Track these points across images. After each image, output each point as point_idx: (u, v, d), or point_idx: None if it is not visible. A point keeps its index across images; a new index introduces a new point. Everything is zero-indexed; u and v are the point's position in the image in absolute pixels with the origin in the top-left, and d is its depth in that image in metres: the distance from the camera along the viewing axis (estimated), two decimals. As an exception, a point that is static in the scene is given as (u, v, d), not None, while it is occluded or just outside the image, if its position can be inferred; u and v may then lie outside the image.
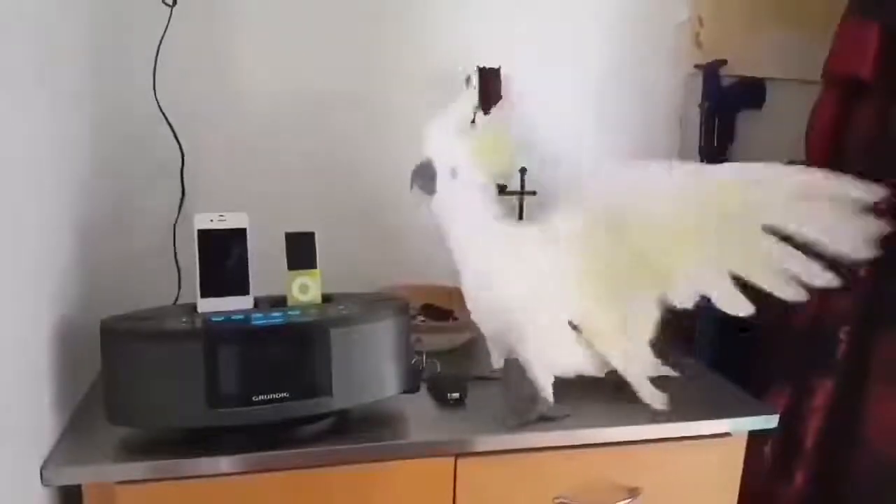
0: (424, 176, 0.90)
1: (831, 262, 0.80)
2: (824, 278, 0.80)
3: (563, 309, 0.95)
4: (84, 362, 0.99)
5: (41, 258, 0.89)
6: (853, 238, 0.78)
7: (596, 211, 0.91)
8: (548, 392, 0.96)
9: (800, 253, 0.81)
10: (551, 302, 0.94)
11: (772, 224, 0.81)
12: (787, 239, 0.81)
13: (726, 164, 0.92)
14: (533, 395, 0.97)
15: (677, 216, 0.86)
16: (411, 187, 0.91)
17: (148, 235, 1.22)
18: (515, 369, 0.98)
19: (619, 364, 0.96)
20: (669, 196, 0.87)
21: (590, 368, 0.98)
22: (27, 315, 0.84)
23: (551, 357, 0.96)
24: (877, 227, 0.78)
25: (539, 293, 0.93)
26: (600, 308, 0.94)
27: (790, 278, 0.82)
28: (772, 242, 0.82)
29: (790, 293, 0.82)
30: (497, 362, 1.02)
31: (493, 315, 0.96)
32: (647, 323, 0.93)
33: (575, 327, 0.95)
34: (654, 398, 0.94)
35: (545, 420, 0.97)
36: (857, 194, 0.79)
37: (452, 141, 0.90)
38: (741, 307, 0.85)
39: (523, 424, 0.96)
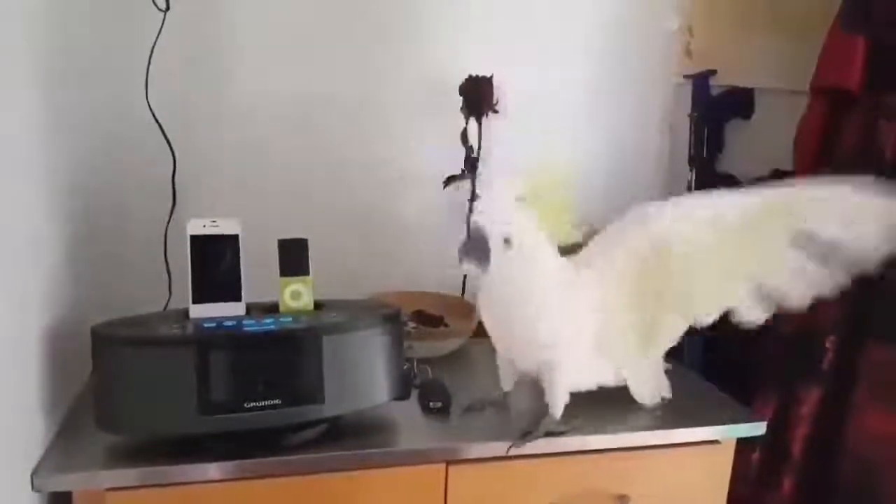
0: (476, 249, 0.86)
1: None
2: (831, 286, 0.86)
3: (590, 334, 0.97)
4: (74, 367, 0.99)
5: (31, 263, 0.88)
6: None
7: (640, 246, 0.93)
8: (558, 411, 0.97)
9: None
10: (583, 331, 0.96)
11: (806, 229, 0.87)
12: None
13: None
14: (538, 412, 0.99)
15: (720, 239, 0.89)
16: (460, 260, 0.87)
17: (139, 240, 1.21)
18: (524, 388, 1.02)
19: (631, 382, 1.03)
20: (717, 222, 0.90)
21: (610, 380, 1.01)
22: (17, 320, 0.83)
23: (576, 378, 0.99)
24: None
25: (578, 326, 0.95)
26: (623, 332, 0.97)
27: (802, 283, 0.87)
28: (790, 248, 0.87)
29: (797, 298, 0.88)
30: (507, 385, 1.03)
31: (532, 351, 0.96)
32: (668, 342, 0.99)
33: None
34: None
35: (551, 435, 0.97)
36: None
37: (508, 207, 0.86)
38: (758, 314, 0.90)
39: (530, 441, 0.96)
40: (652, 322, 0.95)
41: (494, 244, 0.86)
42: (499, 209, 0.86)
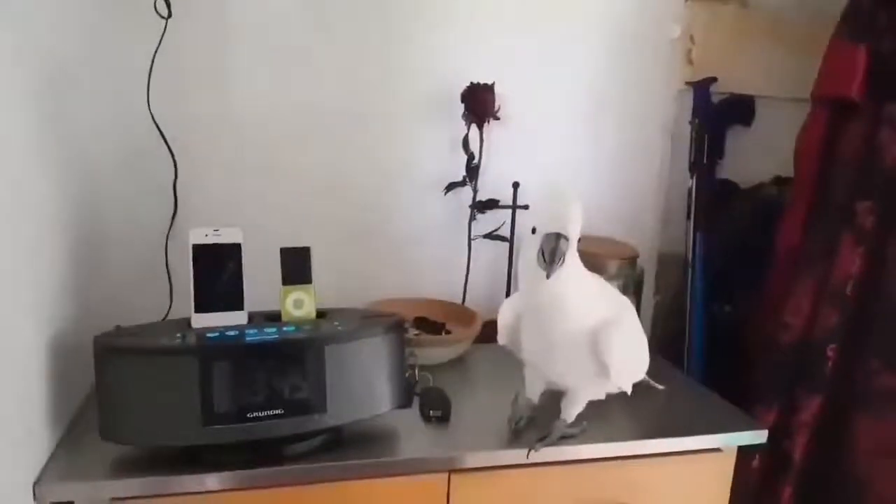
0: (559, 253, 0.84)
1: None
2: None
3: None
4: (76, 377, 0.99)
5: (32, 273, 0.88)
6: None
7: None
8: (572, 418, 0.98)
9: None
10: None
11: None
12: None
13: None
14: (553, 417, 0.99)
15: None
16: (544, 260, 0.84)
17: (140, 249, 1.21)
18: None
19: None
20: None
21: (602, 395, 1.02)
22: (19, 330, 0.83)
23: (596, 393, 1.00)
24: None
25: None
26: None
27: None
28: None
29: None
30: (535, 397, 1.02)
31: (568, 360, 0.95)
32: None
33: None
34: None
35: (566, 438, 0.98)
36: None
37: (573, 213, 0.85)
38: None
39: (546, 445, 0.96)
40: None
41: (570, 249, 0.85)
42: (566, 214, 0.85)
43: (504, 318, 0.98)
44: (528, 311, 0.95)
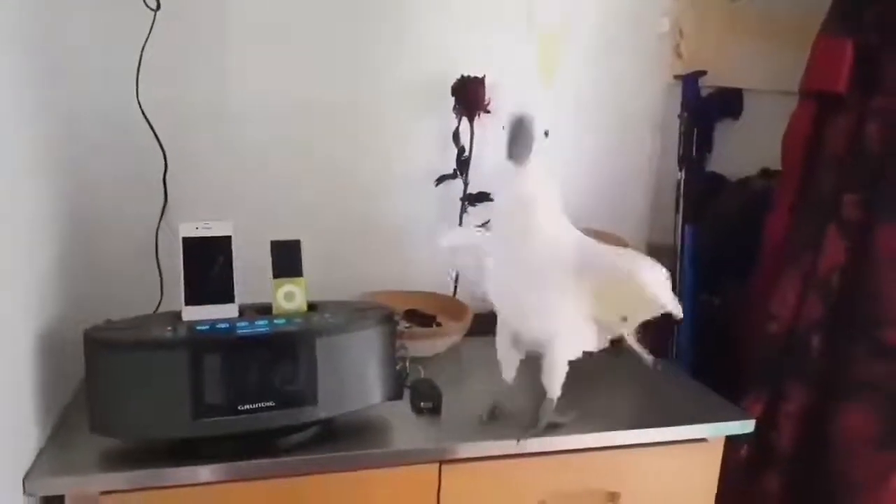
0: (525, 138, 0.79)
1: None
2: None
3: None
4: (67, 371, 0.99)
5: (22, 266, 0.88)
6: None
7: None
8: (556, 393, 0.97)
9: None
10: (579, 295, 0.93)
11: None
12: None
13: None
14: (538, 404, 0.99)
15: None
16: (509, 153, 0.80)
17: (130, 242, 1.20)
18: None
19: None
20: None
21: (593, 345, 0.99)
22: (8, 323, 0.83)
23: (574, 347, 0.96)
24: None
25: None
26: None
27: None
28: None
29: None
30: (509, 375, 1.02)
31: (539, 299, 0.92)
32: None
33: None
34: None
35: (554, 427, 0.98)
36: None
37: (541, 102, 0.82)
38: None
39: (535, 435, 0.96)
40: None
41: (538, 136, 0.81)
42: (535, 103, 0.82)
43: (460, 239, 0.98)
44: (495, 246, 0.93)
